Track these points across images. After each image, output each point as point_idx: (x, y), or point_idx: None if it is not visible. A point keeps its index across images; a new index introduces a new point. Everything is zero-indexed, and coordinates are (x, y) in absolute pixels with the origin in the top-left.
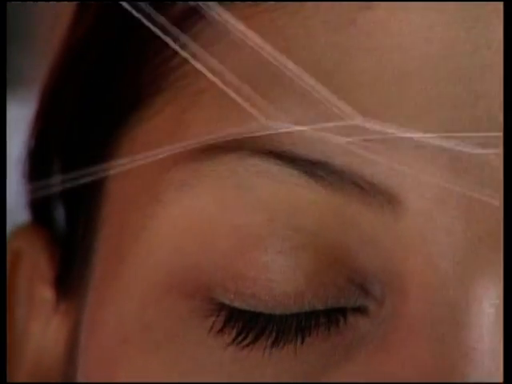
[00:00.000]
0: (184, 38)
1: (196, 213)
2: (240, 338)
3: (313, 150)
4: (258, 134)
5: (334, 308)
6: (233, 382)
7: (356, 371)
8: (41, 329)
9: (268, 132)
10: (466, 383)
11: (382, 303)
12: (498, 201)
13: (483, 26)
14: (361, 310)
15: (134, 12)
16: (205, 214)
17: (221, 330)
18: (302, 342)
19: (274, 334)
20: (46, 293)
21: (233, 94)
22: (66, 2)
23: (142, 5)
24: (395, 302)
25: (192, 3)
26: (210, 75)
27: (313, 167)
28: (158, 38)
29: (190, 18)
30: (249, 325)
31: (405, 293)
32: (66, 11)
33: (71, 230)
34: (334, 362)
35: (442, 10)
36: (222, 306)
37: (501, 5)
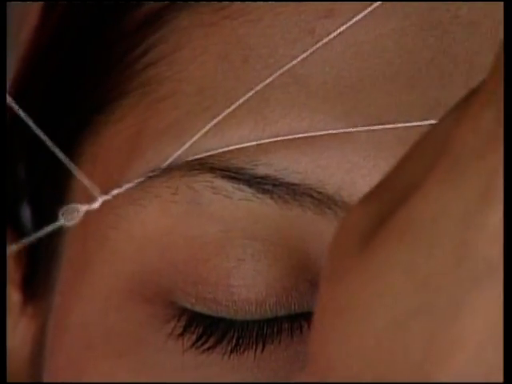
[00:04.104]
0: (147, 42)
1: (152, 226)
2: (200, 343)
3: (264, 167)
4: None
5: (298, 313)
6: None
7: None
8: (8, 331)
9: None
10: (467, 383)
11: None
12: None
13: (441, 34)
14: None
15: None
16: (161, 227)
17: (181, 335)
18: (263, 349)
19: (234, 340)
20: (13, 295)
21: None
22: (31, 3)
23: (107, 7)
24: None
25: (156, 8)
26: None
27: (264, 183)
28: (123, 41)
29: (153, 23)
30: (209, 329)
31: None
32: (31, 13)
33: (38, 230)
34: (297, 368)
35: (401, 18)
36: (182, 311)
37: (462, 11)
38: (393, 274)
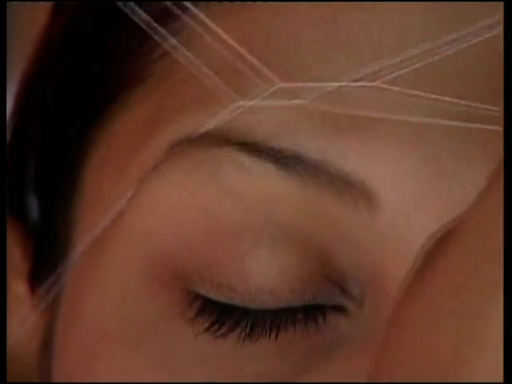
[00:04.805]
0: (164, 31)
1: (167, 197)
2: (214, 328)
3: (284, 142)
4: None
5: (313, 305)
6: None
7: (336, 371)
8: (16, 324)
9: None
10: (464, 383)
11: (362, 303)
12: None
13: (463, 28)
14: (340, 310)
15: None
16: (176, 199)
17: (194, 320)
18: (277, 338)
19: (248, 328)
20: (20, 287)
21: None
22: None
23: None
24: (375, 303)
25: (169, 3)
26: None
27: (283, 158)
28: (139, 31)
29: (171, 14)
30: (223, 316)
31: (384, 294)
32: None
33: (46, 223)
34: (315, 361)
35: (422, 12)
36: (196, 296)
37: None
38: (434, 278)
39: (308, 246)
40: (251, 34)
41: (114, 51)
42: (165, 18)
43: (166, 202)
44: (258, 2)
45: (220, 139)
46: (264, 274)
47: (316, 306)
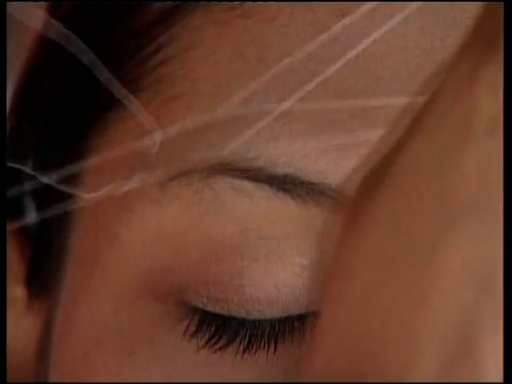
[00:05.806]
0: (158, 40)
1: (170, 225)
2: (212, 342)
3: (279, 164)
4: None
5: (309, 312)
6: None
7: None
8: (12, 328)
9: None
10: (465, 383)
11: None
12: None
13: (459, 35)
14: None
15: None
16: (178, 226)
17: (194, 334)
18: (275, 347)
19: (246, 339)
20: (18, 291)
21: None
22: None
23: (117, 6)
24: None
25: (169, 6)
26: None
27: (281, 181)
28: (133, 39)
29: (165, 21)
30: (221, 328)
31: None
32: (40, 10)
33: (43, 227)
34: None
35: (417, 18)
36: (195, 310)
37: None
38: (378, 230)
39: (305, 258)
40: (244, 45)
41: (109, 57)
42: (158, 24)
43: (166, 229)
44: (253, 10)
45: (220, 166)
46: (261, 288)
47: (312, 313)
